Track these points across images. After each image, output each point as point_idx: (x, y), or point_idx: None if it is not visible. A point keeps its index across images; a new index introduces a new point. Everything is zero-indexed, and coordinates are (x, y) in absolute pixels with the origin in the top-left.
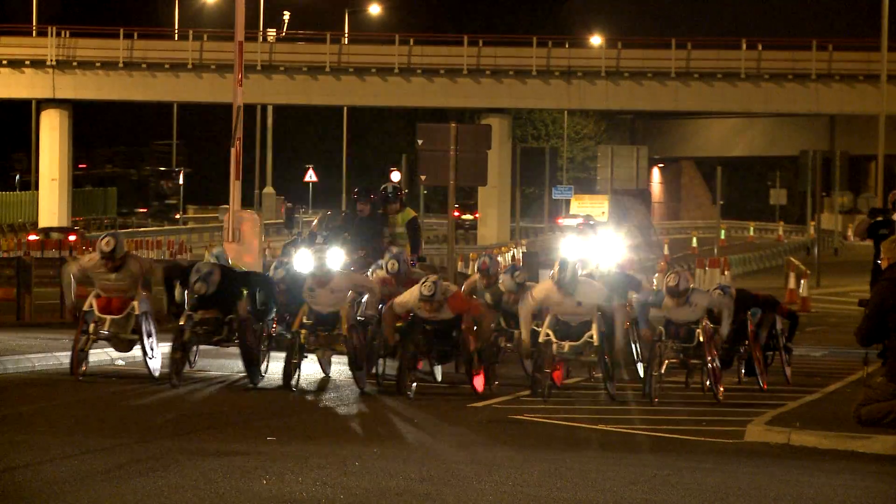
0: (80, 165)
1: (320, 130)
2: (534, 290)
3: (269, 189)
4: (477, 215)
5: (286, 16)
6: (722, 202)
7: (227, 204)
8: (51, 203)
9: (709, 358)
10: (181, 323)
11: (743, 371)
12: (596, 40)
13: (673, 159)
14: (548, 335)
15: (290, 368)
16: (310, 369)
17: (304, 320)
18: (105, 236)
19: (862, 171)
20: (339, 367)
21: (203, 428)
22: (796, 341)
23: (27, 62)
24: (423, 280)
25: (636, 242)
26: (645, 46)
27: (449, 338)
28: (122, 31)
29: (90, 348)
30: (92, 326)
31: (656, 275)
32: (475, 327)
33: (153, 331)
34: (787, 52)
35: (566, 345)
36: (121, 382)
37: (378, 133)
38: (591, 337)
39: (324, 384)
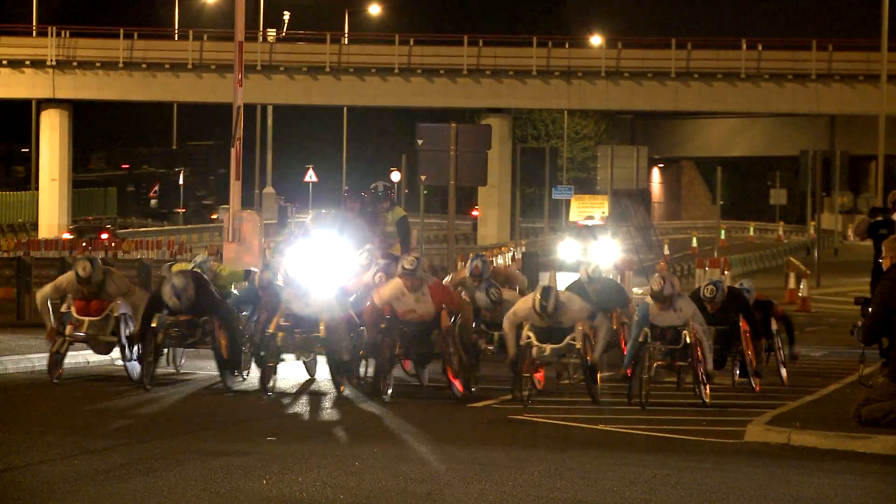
0: (123, 166)
1: (320, 130)
2: (517, 309)
3: (269, 189)
4: (475, 212)
5: (286, 16)
6: (722, 202)
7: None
8: (51, 203)
9: (696, 360)
10: (153, 325)
11: (737, 373)
12: (596, 40)
13: (673, 159)
14: (528, 338)
15: (267, 372)
16: (300, 372)
17: (282, 322)
18: (81, 260)
19: (862, 171)
20: None
21: (203, 428)
22: (796, 341)
23: (27, 62)
24: (403, 256)
25: (636, 243)
26: (645, 46)
27: (427, 339)
28: (122, 31)
29: (67, 351)
30: (69, 328)
31: (656, 275)
32: (453, 319)
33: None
34: (787, 52)
35: (547, 347)
36: (115, 384)
37: (378, 133)
38: (574, 339)
39: (308, 385)
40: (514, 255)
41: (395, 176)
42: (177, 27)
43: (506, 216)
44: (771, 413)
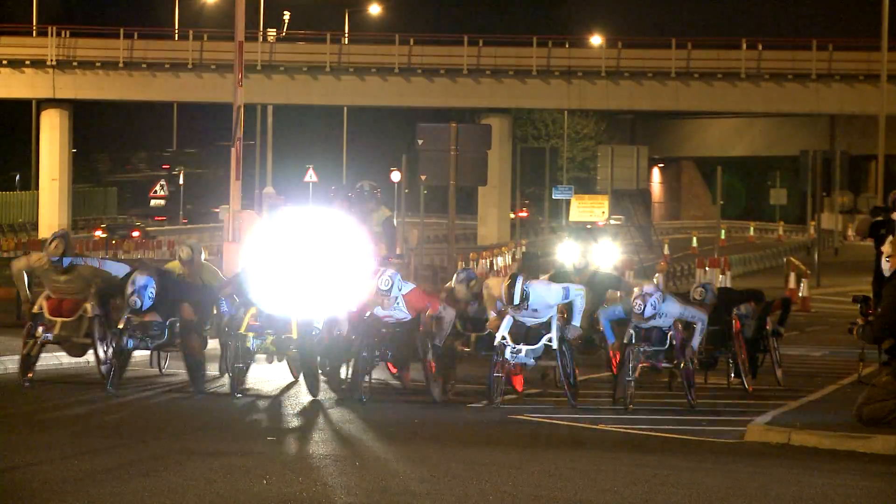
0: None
1: (320, 130)
2: (492, 284)
3: (269, 189)
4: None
5: (286, 16)
6: (722, 202)
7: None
8: (51, 203)
9: (682, 362)
10: (120, 327)
11: (732, 373)
12: (596, 40)
13: (673, 159)
14: (504, 339)
15: (237, 374)
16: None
17: (252, 322)
18: (53, 238)
19: (862, 171)
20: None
21: (202, 428)
22: (796, 341)
23: (27, 62)
24: (379, 273)
25: (636, 243)
26: (645, 46)
27: (407, 341)
28: (122, 31)
29: (39, 353)
30: (40, 330)
31: (656, 275)
32: (432, 323)
33: (108, 335)
34: (787, 52)
35: (523, 348)
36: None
37: (378, 133)
38: (550, 340)
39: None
40: (514, 254)
41: (396, 176)
42: (177, 27)
43: (506, 216)
44: (771, 413)
